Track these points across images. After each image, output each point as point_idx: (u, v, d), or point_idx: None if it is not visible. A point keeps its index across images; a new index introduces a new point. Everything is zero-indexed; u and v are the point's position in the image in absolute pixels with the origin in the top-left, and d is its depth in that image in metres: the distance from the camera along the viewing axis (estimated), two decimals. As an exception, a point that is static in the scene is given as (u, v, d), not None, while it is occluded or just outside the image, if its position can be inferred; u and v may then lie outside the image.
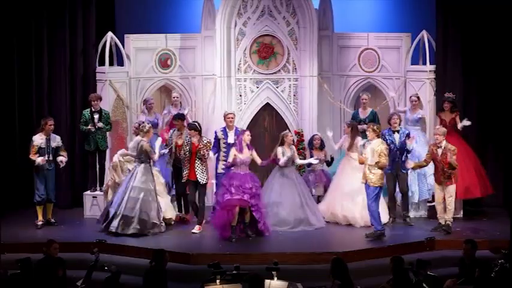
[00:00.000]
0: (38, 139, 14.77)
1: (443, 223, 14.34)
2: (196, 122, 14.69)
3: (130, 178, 14.32)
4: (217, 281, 10.08)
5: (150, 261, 11.04)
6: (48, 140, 14.82)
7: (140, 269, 12.14)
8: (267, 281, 10.05)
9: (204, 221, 14.53)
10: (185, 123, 14.87)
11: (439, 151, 14.25)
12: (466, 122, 15.22)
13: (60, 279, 11.29)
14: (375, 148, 13.89)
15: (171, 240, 13.98)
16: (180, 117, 14.90)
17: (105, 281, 10.84)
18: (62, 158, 14.85)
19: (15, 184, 15.78)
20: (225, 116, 15.21)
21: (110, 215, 14.26)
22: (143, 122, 14.79)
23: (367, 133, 14.20)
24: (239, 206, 13.98)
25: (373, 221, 13.98)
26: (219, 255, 12.58)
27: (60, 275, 11.29)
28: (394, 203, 15.03)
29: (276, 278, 10.19)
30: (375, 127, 14.10)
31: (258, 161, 14.49)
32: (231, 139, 14.97)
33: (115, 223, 14.17)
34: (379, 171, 13.85)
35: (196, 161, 14.26)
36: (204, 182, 14.32)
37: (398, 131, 14.81)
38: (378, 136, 14.05)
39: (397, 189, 15.03)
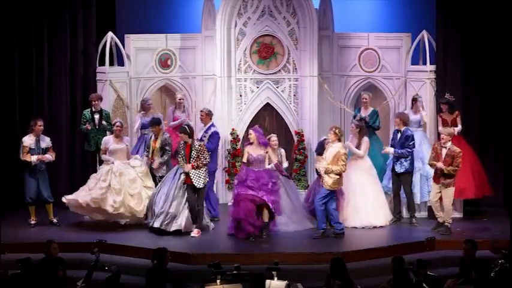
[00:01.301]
0: (28, 140, 14.77)
1: (441, 222, 14.35)
2: (187, 125, 14.65)
3: (174, 177, 14.33)
4: (218, 281, 10.09)
5: (152, 260, 11.06)
6: (37, 141, 14.81)
7: (140, 269, 12.18)
8: (267, 281, 10.07)
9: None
10: (162, 127, 14.92)
11: (443, 151, 14.25)
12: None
13: (60, 279, 11.30)
14: (334, 152, 14.02)
15: (171, 240, 13.97)
16: (157, 122, 14.83)
17: (105, 281, 10.84)
18: (49, 156, 14.82)
19: (15, 184, 15.76)
20: None
21: (155, 213, 14.31)
22: (120, 122, 14.85)
23: (329, 135, 14.25)
24: (254, 203, 14.02)
25: (318, 219, 14.15)
26: (219, 255, 12.57)
27: (60, 275, 11.30)
28: (399, 202, 15.02)
29: (276, 278, 10.20)
30: (337, 130, 14.18)
31: (267, 163, 14.46)
32: (199, 135, 15.02)
33: (159, 220, 14.22)
34: (337, 176, 13.99)
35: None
36: (200, 186, 14.26)
37: (400, 131, 14.84)
38: (339, 140, 14.12)
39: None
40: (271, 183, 14.20)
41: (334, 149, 14.08)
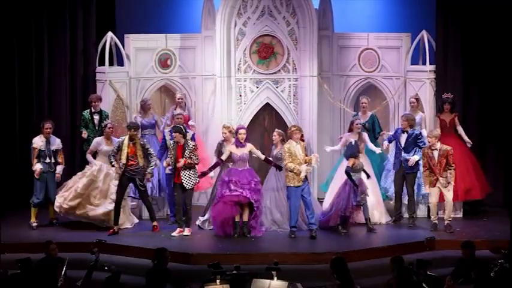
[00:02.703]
0: (38, 141, 14.80)
1: (442, 222, 14.39)
2: (181, 125, 14.63)
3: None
4: (217, 281, 10.09)
5: (153, 260, 11.06)
6: (47, 143, 14.83)
7: (140, 269, 12.19)
8: (266, 281, 10.07)
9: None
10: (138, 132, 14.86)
11: (435, 153, 14.30)
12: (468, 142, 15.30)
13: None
14: (302, 146, 14.32)
15: (171, 240, 13.98)
16: (137, 126, 14.73)
17: (105, 281, 10.84)
18: (59, 170, 14.90)
19: (16, 184, 15.77)
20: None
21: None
22: (111, 124, 14.91)
23: (294, 135, 14.34)
24: (239, 202, 14.10)
25: (314, 217, 14.36)
26: (219, 255, 12.59)
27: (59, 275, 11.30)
28: (400, 203, 15.05)
29: (276, 278, 10.19)
30: (302, 131, 14.50)
31: (261, 156, 14.57)
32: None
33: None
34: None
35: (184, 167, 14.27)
36: (190, 187, 14.33)
37: (407, 132, 14.86)
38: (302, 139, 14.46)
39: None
40: (254, 183, 14.31)
41: (301, 146, 14.32)
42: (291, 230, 14.28)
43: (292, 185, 14.24)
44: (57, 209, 14.76)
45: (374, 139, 15.59)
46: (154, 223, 14.66)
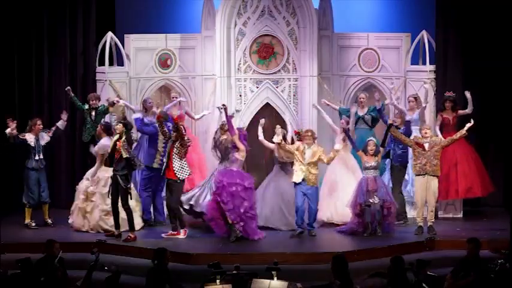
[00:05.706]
0: (28, 138, 14.83)
1: (428, 225, 14.32)
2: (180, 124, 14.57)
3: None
4: (217, 281, 10.10)
5: (153, 260, 11.07)
6: (37, 140, 14.87)
7: (140, 269, 12.21)
8: (266, 281, 10.08)
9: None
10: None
11: (426, 145, 14.22)
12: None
13: (60, 280, 11.30)
14: (314, 150, 14.26)
15: (171, 241, 13.98)
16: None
17: (105, 281, 10.85)
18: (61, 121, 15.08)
19: (16, 184, 15.76)
20: None
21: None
22: (111, 122, 14.80)
23: (307, 139, 14.37)
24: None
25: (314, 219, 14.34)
26: (219, 255, 12.59)
27: (59, 275, 11.30)
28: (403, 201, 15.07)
29: (276, 278, 10.20)
30: (315, 134, 14.53)
31: (241, 146, 14.39)
32: None
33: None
34: (317, 172, 14.29)
35: (174, 156, 14.07)
36: (183, 177, 14.13)
37: (399, 127, 14.92)
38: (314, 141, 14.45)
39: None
40: (239, 187, 14.10)
41: (313, 149, 14.31)
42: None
43: (292, 180, 14.27)
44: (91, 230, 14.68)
45: (370, 132, 15.55)
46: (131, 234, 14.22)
